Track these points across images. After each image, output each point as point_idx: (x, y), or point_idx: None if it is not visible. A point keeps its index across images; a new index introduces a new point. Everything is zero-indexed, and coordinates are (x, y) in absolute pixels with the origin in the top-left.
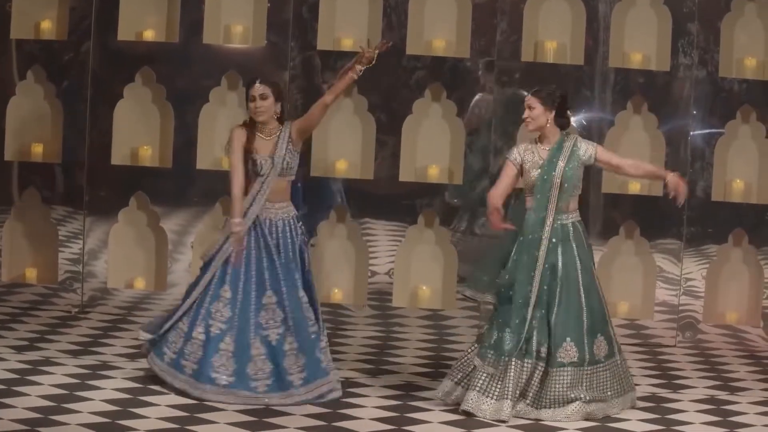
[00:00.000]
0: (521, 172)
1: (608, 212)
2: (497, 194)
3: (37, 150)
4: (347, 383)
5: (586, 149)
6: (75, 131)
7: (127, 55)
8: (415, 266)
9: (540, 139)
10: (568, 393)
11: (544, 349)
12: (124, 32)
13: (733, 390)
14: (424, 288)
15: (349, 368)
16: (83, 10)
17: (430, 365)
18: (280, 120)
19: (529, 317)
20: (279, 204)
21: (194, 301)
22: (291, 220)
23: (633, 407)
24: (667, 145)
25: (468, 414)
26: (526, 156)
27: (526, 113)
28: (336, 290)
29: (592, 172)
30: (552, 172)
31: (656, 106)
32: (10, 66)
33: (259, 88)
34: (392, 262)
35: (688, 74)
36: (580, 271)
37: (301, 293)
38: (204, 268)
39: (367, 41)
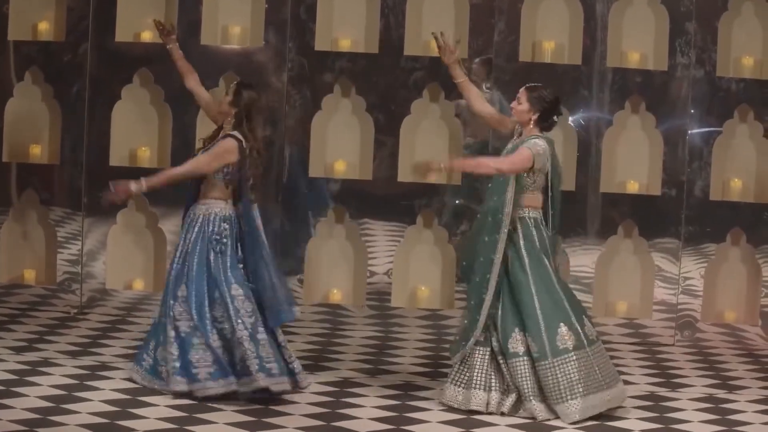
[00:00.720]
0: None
1: (607, 211)
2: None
3: (36, 151)
4: (346, 383)
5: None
6: (73, 132)
7: (124, 56)
8: (414, 266)
9: (519, 133)
10: (525, 385)
11: (496, 342)
12: (122, 33)
13: (732, 389)
14: (423, 288)
15: (348, 368)
16: (81, 11)
17: (428, 365)
18: (236, 127)
19: (482, 318)
20: (204, 200)
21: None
22: (207, 217)
23: (581, 418)
24: (665, 145)
25: (446, 405)
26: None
27: (514, 103)
28: (335, 290)
29: (591, 172)
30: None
31: (654, 106)
32: (8, 67)
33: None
34: (391, 262)
35: (685, 73)
36: (512, 262)
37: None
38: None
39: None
